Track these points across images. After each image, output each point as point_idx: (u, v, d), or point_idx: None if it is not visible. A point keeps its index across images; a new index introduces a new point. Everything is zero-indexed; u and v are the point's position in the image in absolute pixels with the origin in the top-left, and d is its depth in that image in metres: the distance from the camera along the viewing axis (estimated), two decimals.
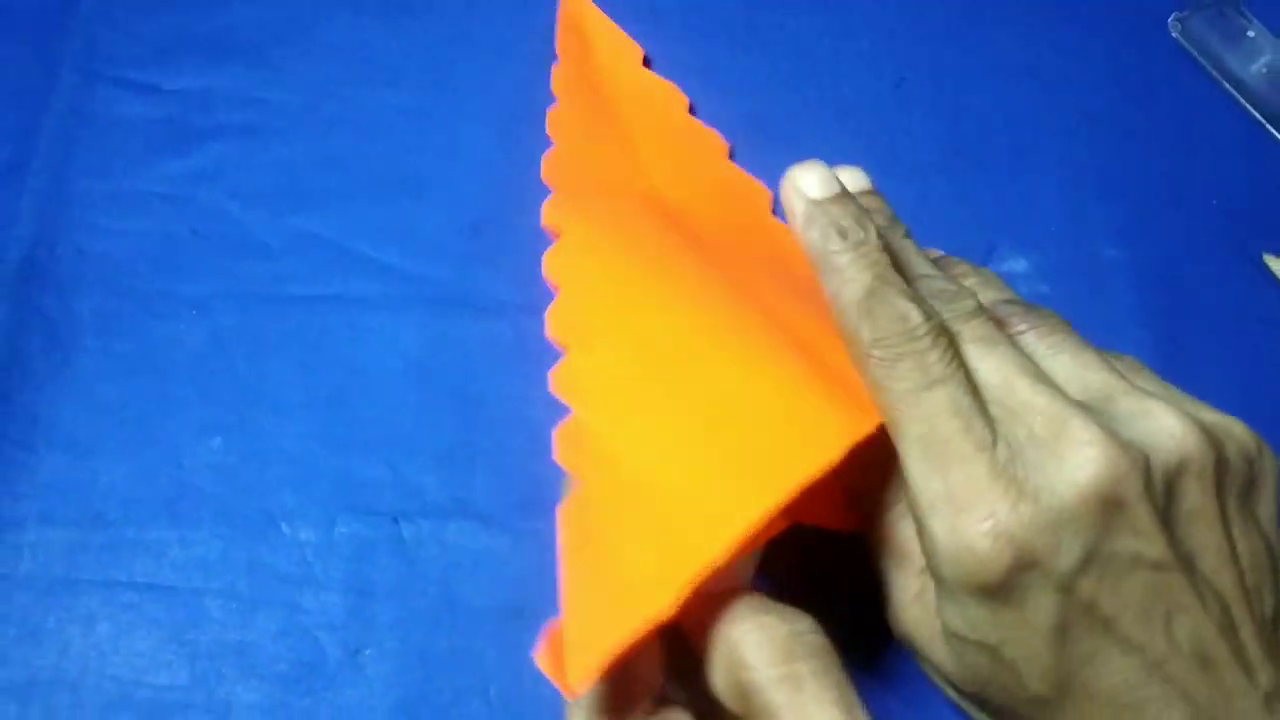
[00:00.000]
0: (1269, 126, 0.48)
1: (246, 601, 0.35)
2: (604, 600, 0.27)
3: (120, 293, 0.40)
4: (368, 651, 0.35)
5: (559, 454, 0.31)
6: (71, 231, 0.40)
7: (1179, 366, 0.42)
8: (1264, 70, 0.49)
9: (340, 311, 0.40)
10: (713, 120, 0.44)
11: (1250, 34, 0.50)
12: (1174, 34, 0.50)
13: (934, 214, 0.44)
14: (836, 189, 0.31)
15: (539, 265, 0.42)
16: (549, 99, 0.44)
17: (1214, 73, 0.49)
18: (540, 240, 0.42)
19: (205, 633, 0.35)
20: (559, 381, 0.32)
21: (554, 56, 0.45)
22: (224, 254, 0.41)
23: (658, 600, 0.25)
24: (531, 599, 0.36)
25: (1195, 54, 0.50)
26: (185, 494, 0.37)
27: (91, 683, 0.34)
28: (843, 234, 0.29)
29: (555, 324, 0.34)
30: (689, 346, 0.30)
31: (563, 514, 0.30)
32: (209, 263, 0.40)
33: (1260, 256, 0.44)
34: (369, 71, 0.45)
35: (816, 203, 0.30)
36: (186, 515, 0.36)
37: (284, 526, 0.36)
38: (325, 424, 0.38)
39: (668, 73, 0.46)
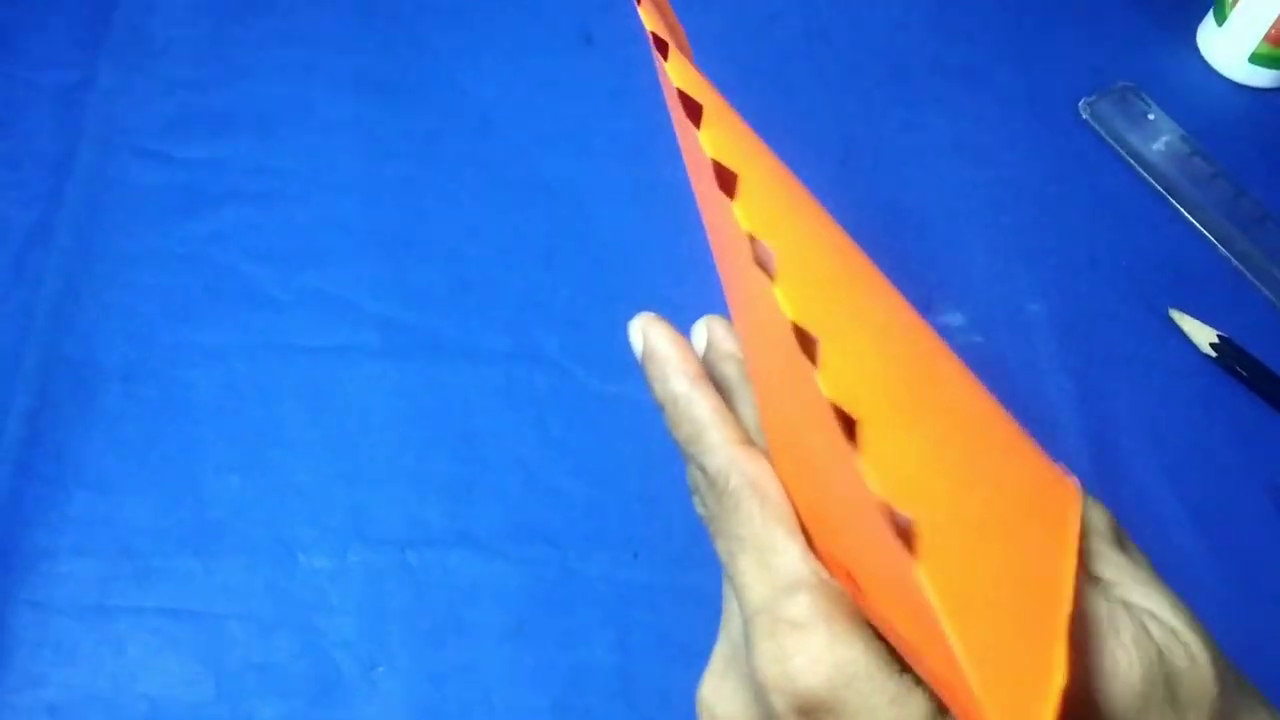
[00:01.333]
0: (1170, 198, 0.54)
1: (267, 624, 0.38)
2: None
3: (142, 343, 0.43)
4: (381, 668, 0.38)
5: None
6: (96, 287, 0.44)
7: (1097, 409, 0.47)
8: (1163, 148, 0.55)
9: (346, 360, 0.44)
10: (670, 184, 0.48)
11: (1150, 117, 0.56)
12: (1084, 116, 0.56)
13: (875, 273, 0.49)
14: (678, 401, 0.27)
15: (526, 316, 0.46)
16: (533, 169, 0.48)
17: (1120, 150, 0.55)
18: (525, 295, 0.46)
19: (229, 653, 0.38)
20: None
21: (535, 134, 0.50)
22: (237, 308, 0.44)
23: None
24: (528, 618, 0.39)
25: (1103, 133, 0.56)
26: (207, 527, 0.40)
27: (125, 700, 0.36)
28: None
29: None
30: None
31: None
32: (224, 316, 0.44)
33: (1167, 311, 0.50)
34: (367, 144, 0.49)
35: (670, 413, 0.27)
36: (209, 546, 0.39)
37: (300, 556, 0.39)
38: (336, 462, 0.41)
39: (630, 146, 0.50)
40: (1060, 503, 0.29)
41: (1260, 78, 0.59)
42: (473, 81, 0.52)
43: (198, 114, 0.49)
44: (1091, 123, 0.56)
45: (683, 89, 0.26)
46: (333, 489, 0.41)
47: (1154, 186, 0.54)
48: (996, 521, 0.26)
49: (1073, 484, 0.29)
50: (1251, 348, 0.48)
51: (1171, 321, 0.49)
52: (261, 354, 0.43)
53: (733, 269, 0.29)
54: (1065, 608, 0.24)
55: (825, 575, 0.24)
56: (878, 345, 0.28)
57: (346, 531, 0.40)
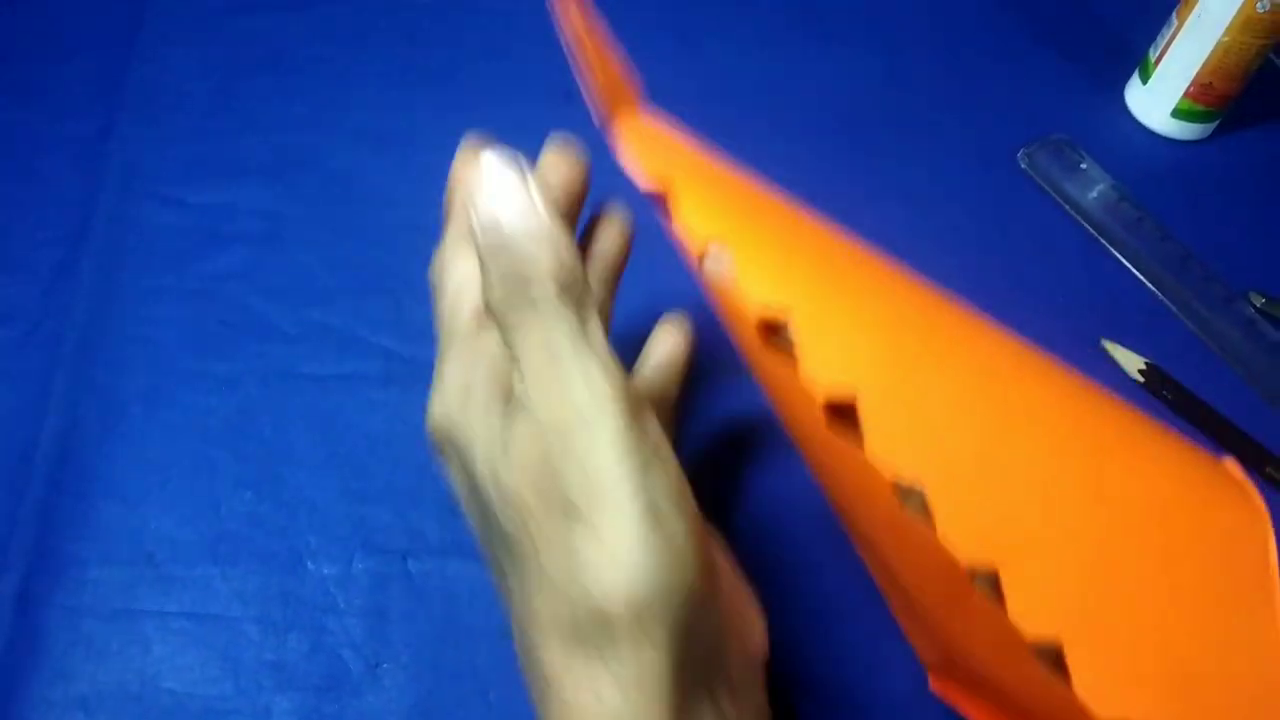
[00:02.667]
0: (1101, 239, 0.59)
1: (280, 626, 0.41)
2: None
3: (162, 370, 0.46)
4: (385, 666, 0.41)
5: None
6: (119, 319, 0.47)
7: None
8: (1096, 196, 0.60)
9: (350, 387, 0.47)
10: (645, 233, 0.52)
11: (1083, 165, 0.61)
12: (1022, 165, 0.61)
13: None
14: (510, 222, 0.29)
15: None
16: None
17: (1055, 197, 0.60)
18: None
19: (246, 652, 0.41)
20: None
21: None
22: (249, 339, 0.48)
23: None
24: None
25: (1040, 181, 0.61)
26: (224, 538, 0.43)
27: (150, 695, 0.39)
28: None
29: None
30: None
31: None
32: (237, 347, 0.48)
33: (1099, 341, 0.54)
34: (367, 190, 0.53)
35: (485, 238, 0.29)
36: (226, 555, 0.43)
37: (309, 564, 0.43)
38: (342, 479, 0.45)
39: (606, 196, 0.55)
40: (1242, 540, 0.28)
41: (1182, 131, 0.64)
42: (462, 132, 0.56)
43: (210, 161, 0.53)
44: (1029, 171, 0.61)
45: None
46: (338, 503, 0.44)
47: (1087, 229, 0.59)
48: (1181, 613, 0.26)
49: (1253, 501, 0.29)
50: (1176, 374, 0.53)
51: (1103, 350, 0.54)
52: (272, 381, 0.47)
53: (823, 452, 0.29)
54: None
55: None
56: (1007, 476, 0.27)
57: (351, 541, 0.44)
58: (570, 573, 0.26)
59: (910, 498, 0.26)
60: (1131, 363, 0.53)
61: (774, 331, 0.29)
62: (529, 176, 0.30)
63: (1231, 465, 0.32)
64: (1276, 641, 0.27)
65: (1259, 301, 0.57)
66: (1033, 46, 0.68)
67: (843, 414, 0.27)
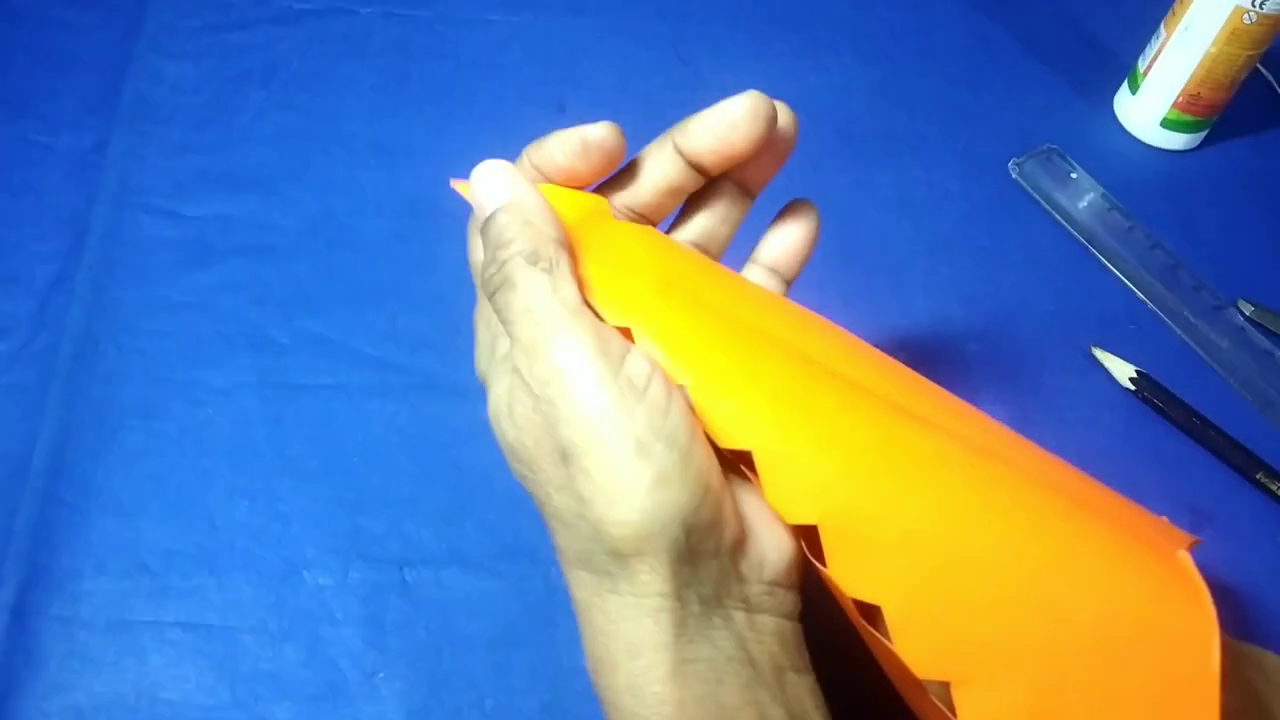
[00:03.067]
0: (1092, 248, 0.59)
1: (276, 636, 0.42)
2: None
3: (158, 382, 0.47)
4: (381, 675, 0.41)
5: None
6: (114, 332, 0.48)
7: (1029, 437, 0.51)
8: (1086, 205, 0.61)
9: (345, 397, 0.47)
10: None
11: (1073, 175, 0.62)
12: (1013, 175, 0.62)
13: (828, 317, 0.53)
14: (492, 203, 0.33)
15: None
16: None
17: (1046, 206, 0.61)
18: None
19: (242, 662, 0.41)
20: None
21: None
22: (244, 351, 0.48)
23: None
24: (515, 629, 0.43)
25: (1030, 191, 0.61)
26: (220, 548, 0.43)
27: (146, 706, 0.40)
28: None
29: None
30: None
31: None
32: (232, 358, 0.48)
33: (1090, 349, 0.55)
34: (361, 202, 0.54)
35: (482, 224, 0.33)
36: (221, 566, 0.43)
37: (305, 574, 0.43)
38: (337, 489, 0.45)
39: None
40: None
41: (1171, 140, 0.64)
42: (456, 145, 0.57)
43: (204, 175, 0.53)
44: (1020, 181, 0.61)
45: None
46: (334, 513, 0.45)
47: (1077, 238, 0.60)
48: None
49: (1203, 605, 0.31)
50: (1166, 381, 0.53)
51: (1094, 359, 0.54)
52: (267, 392, 0.47)
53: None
54: None
55: None
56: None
57: (347, 552, 0.44)
58: (575, 511, 0.29)
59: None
60: (1122, 371, 0.53)
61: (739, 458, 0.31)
62: (505, 164, 0.34)
63: (1185, 560, 0.33)
64: None
65: (1248, 310, 0.57)
66: (1023, 58, 0.68)
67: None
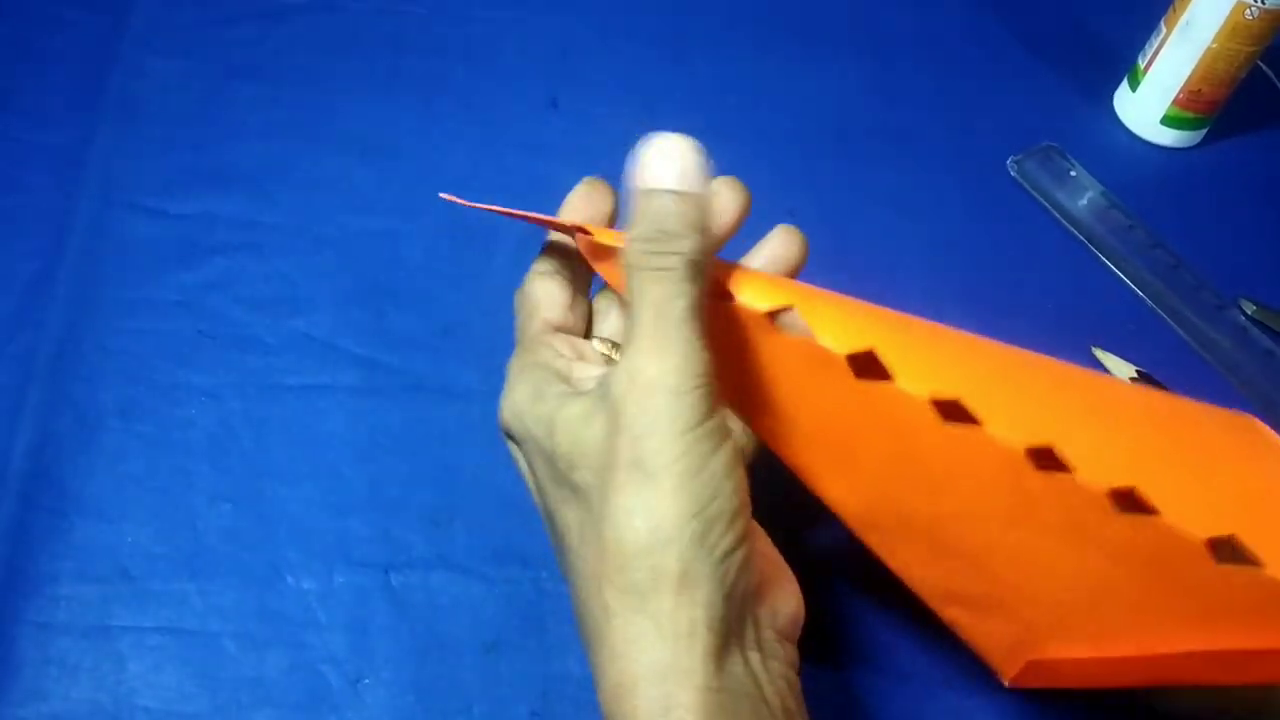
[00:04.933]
0: (1091, 247, 0.58)
1: (259, 641, 0.41)
2: None
3: (139, 383, 0.46)
4: (366, 681, 0.40)
5: None
6: (95, 332, 0.47)
7: None
8: (1086, 203, 0.60)
9: (332, 398, 0.47)
10: None
11: (1072, 173, 0.61)
12: (1012, 173, 0.61)
13: None
14: (674, 184, 0.32)
15: (497, 360, 0.49)
16: (502, 221, 0.52)
17: (1045, 204, 0.60)
18: (497, 338, 0.49)
19: (224, 668, 0.40)
20: None
21: (504, 189, 0.53)
22: (229, 351, 0.47)
23: None
24: (503, 634, 0.42)
25: (1030, 189, 0.60)
26: (201, 552, 0.42)
27: (125, 713, 0.38)
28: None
29: None
30: None
31: None
32: (217, 358, 0.47)
33: (1090, 348, 0.54)
34: (350, 199, 0.53)
35: (646, 194, 0.32)
36: (203, 570, 0.42)
37: (289, 578, 0.42)
38: (323, 492, 0.44)
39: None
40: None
41: (1171, 138, 0.64)
42: (447, 141, 0.56)
43: (190, 172, 0.52)
44: (1019, 179, 0.61)
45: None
46: (319, 516, 0.44)
47: (1077, 237, 0.59)
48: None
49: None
50: (1167, 381, 0.52)
51: (1094, 358, 0.53)
52: (251, 393, 0.46)
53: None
54: None
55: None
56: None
57: (332, 555, 0.43)
58: (630, 521, 0.29)
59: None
60: (1122, 370, 0.52)
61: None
62: (700, 150, 0.33)
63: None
64: None
65: (1249, 309, 0.56)
66: (1022, 55, 0.68)
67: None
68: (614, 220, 0.39)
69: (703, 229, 0.32)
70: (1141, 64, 0.63)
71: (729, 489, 0.30)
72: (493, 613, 0.42)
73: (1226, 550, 0.29)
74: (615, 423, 0.30)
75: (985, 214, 0.59)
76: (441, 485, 0.45)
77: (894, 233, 0.57)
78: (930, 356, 0.33)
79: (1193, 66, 0.60)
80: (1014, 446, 0.30)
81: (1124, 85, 0.65)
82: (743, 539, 0.30)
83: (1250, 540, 0.28)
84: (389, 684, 0.40)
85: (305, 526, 0.43)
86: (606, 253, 0.35)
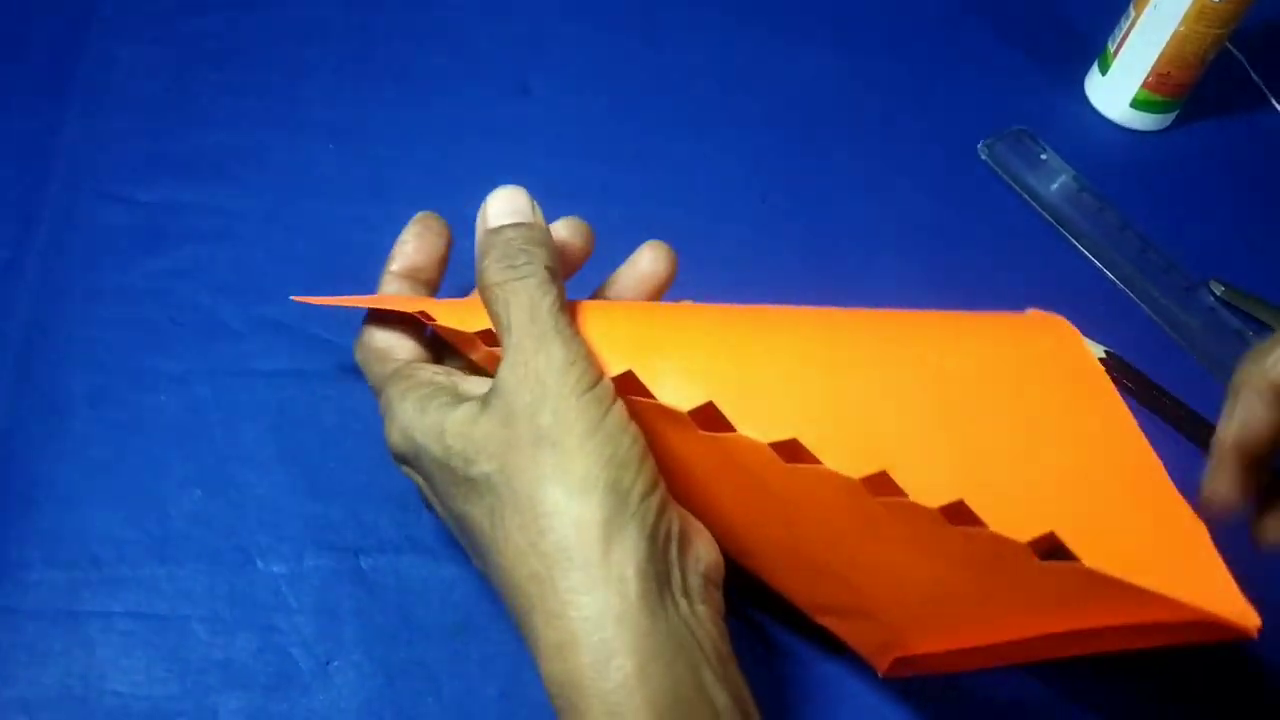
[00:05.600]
0: (1062, 230, 0.59)
1: (228, 625, 0.41)
2: None
3: (108, 370, 0.46)
4: (335, 663, 0.40)
5: None
6: (63, 320, 0.47)
7: None
8: (1057, 187, 0.60)
9: (301, 383, 0.47)
10: (605, 224, 0.51)
11: (1043, 156, 0.61)
12: (983, 157, 0.61)
13: (797, 301, 0.53)
14: (512, 218, 0.36)
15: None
16: (473, 206, 0.52)
17: (1016, 188, 0.60)
18: None
19: (193, 652, 0.40)
20: None
21: (476, 175, 0.53)
22: (198, 337, 0.47)
23: None
24: (473, 617, 0.42)
25: (1000, 173, 0.61)
26: (171, 537, 0.42)
27: (94, 698, 0.39)
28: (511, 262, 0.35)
29: None
30: None
31: None
32: (186, 345, 0.47)
33: None
34: (320, 186, 0.53)
35: (492, 231, 0.36)
36: (172, 555, 0.42)
37: (259, 562, 0.42)
38: (292, 476, 0.44)
39: (566, 190, 0.54)
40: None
41: (1141, 121, 0.64)
42: (418, 129, 0.56)
43: (159, 159, 0.52)
44: (990, 163, 0.61)
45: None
46: (289, 501, 0.44)
47: (1047, 220, 0.59)
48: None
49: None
50: (1136, 362, 0.53)
51: None
52: (221, 379, 0.46)
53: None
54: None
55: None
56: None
57: (302, 539, 0.43)
58: (541, 491, 0.32)
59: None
60: (1092, 351, 0.53)
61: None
62: (526, 193, 0.37)
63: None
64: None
65: (1219, 290, 0.57)
66: (992, 39, 0.68)
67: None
68: (447, 256, 0.42)
69: (548, 245, 0.36)
70: (1111, 47, 0.63)
71: (629, 440, 0.33)
72: (462, 595, 0.43)
73: (1047, 544, 0.31)
74: (510, 410, 0.33)
75: (956, 198, 0.59)
76: None
77: (865, 217, 0.58)
78: (764, 385, 0.35)
79: (1161, 49, 0.61)
80: (851, 478, 0.32)
81: (1094, 69, 0.65)
82: (655, 482, 0.33)
83: (1067, 528, 0.31)
84: (358, 666, 0.41)
85: (275, 511, 0.43)
86: (452, 334, 0.39)
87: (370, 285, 0.50)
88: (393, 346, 0.40)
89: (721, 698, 0.31)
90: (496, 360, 0.35)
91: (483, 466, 0.33)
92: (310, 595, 0.42)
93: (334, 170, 0.54)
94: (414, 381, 0.37)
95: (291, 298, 0.43)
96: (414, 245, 0.41)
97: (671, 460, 0.35)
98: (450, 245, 0.42)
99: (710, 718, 0.31)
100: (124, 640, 0.40)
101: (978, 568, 0.33)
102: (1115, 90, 0.64)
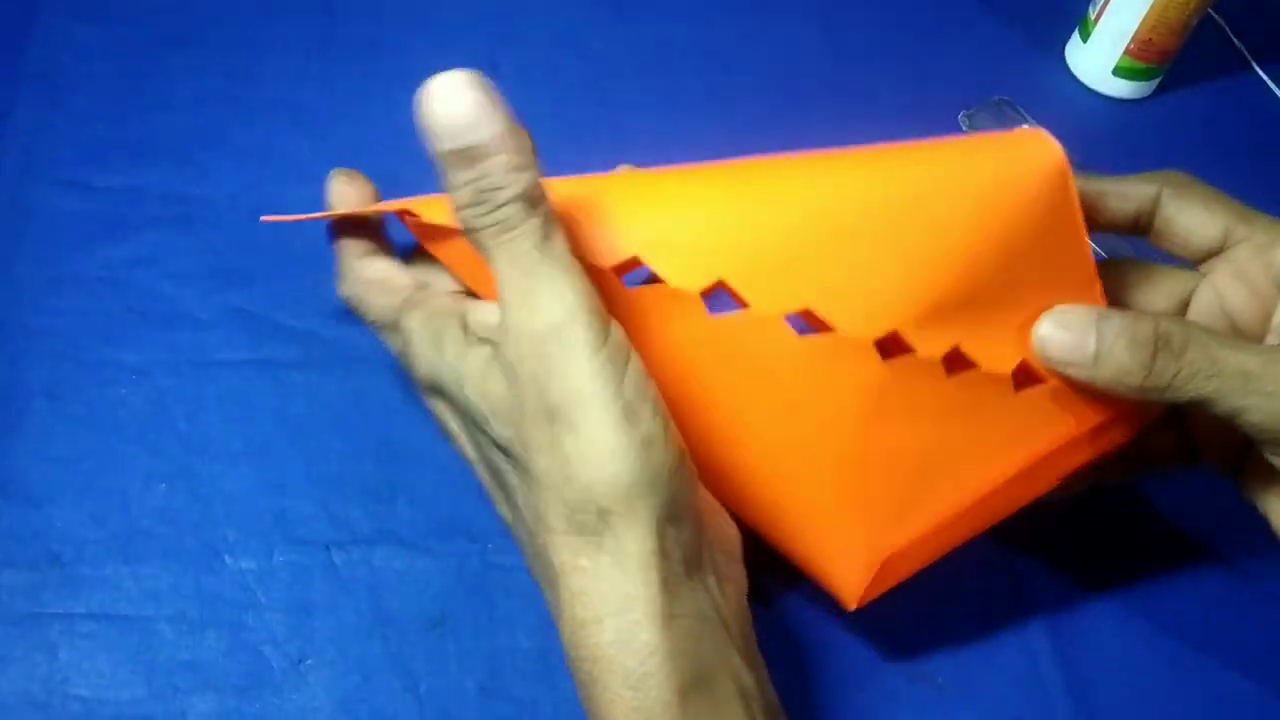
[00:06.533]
0: None
1: (196, 624, 0.39)
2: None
3: (67, 362, 0.44)
4: (309, 661, 0.39)
5: None
6: (19, 311, 0.45)
7: None
8: None
9: (268, 373, 0.45)
10: None
11: (1025, 127, 0.60)
12: (964, 127, 0.60)
13: None
14: (466, 138, 0.30)
15: None
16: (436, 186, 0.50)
17: None
18: None
19: (160, 653, 0.39)
20: None
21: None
22: (160, 327, 0.46)
23: None
24: (450, 609, 0.41)
25: None
26: (135, 535, 0.41)
27: (58, 702, 0.37)
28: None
29: None
30: None
31: None
32: (147, 335, 0.45)
33: None
34: (284, 169, 0.51)
35: (448, 159, 0.30)
36: (136, 553, 0.40)
37: (227, 558, 0.41)
38: (260, 469, 0.43)
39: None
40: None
41: (1123, 89, 0.63)
42: (383, 108, 0.54)
43: (116, 144, 0.50)
44: (971, 133, 0.60)
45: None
46: (257, 495, 0.42)
47: None
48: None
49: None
50: None
51: None
52: (185, 369, 0.45)
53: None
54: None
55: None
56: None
57: (272, 534, 0.41)
58: (563, 471, 0.30)
59: None
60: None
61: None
62: (482, 80, 0.30)
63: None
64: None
65: None
66: (973, 8, 0.67)
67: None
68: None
69: (519, 162, 0.30)
70: (1092, 14, 0.62)
71: (650, 408, 0.30)
72: (439, 588, 0.41)
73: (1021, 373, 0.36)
74: (515, 376, 0.30)
75: None
76: (384, 459, 0.44)
77: None
78: (771, 254, 0.34)
79: (1143, 15, 0.59)
80: (864, 339, 0.34)
81: (1075, 36, 0.64)
82: (682, 455, 0.31)
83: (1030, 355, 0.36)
84: (332, 663, 0.39)
85: (243, 505, 0.42)
86: (437, 232, 0.36)
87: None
88: (390, 275, 0.38)
89: (747, 679, 0.31)
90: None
91: (500, 430, 0.31)
92: (281, 591, 0.40)
93: (297, 153, 0.52)
94: (430, 310, 0.35)
95: (261, 219, 0.41)
96: (347, 196, 0.40)
97: (663, 367, 0.33)
98: (378, 196, 0.41)
99: (735, 698, 0.31)
100: (87, 642, 0.39)
101: (963, 415, 0.36)
102: (1097, 58, 0.63)
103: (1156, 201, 0.40)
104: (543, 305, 0.29)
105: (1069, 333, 0.35)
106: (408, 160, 0.52)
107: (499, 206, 0.30)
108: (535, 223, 0.30)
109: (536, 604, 0.41)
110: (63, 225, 0.48)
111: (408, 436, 0.44)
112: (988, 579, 0.44)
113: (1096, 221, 0.39)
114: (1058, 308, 0.36)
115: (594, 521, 0.30)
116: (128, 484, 0.42)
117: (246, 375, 0.45)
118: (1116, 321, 0.34)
